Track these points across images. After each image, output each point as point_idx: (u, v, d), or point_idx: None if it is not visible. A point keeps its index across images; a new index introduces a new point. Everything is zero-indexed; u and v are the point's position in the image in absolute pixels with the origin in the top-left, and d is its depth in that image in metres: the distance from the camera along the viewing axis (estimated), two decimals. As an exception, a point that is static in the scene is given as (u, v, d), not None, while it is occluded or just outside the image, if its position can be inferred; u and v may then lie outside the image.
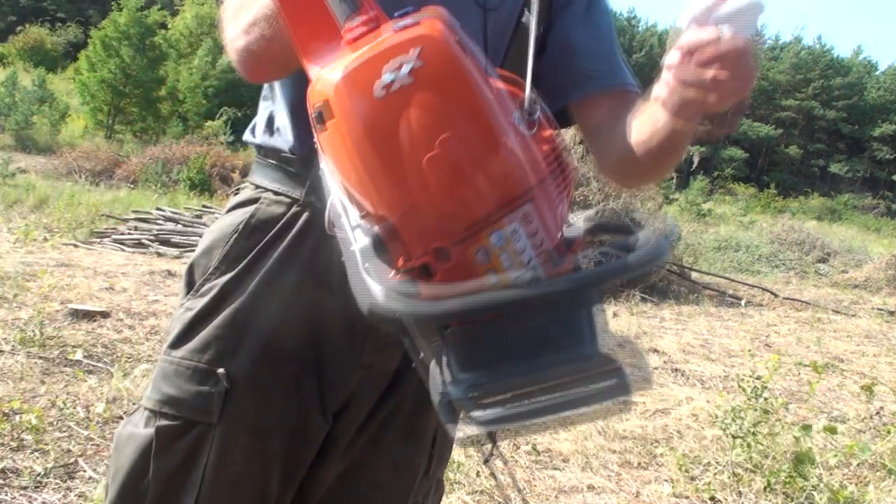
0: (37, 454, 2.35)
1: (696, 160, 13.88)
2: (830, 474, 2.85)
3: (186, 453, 0.84)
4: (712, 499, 2.69)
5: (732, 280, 10.39)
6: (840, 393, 4.47)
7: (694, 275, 10.14)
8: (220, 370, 0.84)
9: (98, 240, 8.26)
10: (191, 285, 0.92)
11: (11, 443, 2.39)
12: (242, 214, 0.91)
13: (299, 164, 0.90)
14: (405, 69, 0.50)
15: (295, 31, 0.61)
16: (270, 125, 0.94)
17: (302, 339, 0.87)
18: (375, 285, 0.52)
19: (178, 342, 0.88)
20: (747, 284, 10.20)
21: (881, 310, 8.77)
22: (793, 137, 53.36)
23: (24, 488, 2.15)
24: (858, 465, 2.95)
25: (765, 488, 2.70)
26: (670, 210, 15.38)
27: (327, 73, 0.54)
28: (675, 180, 21.30)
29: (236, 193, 0.98)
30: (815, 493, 2.61)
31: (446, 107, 0.51)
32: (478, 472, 2.68)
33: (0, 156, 13.40)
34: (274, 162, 0.93)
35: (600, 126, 1.01)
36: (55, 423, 2.61)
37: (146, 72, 25.12)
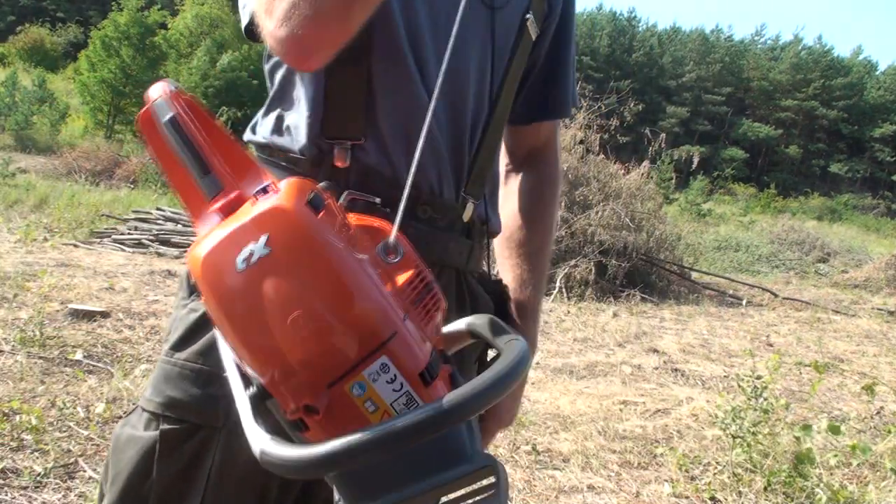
0: (37, 454, 2.35)
1: (695, 160, 13.88)
2: (830, 474, 2.85)
3: (191, 456, 0.83)
4: (712, 499, 2.69)
5: (732, 280, 10.39)
6: (840, 393, 4.47)
7: (694, 275, 10.14)
8: (225, 374, 0.83)
9: (98, 240, 8.26)
10: (192, 286, 0.89)
11: (11, 443, 2.39)
12: None
13: (308, 165, 0.88)
14: (262, 240, 0.55)
15: (180, 191, 0.64)
16: (279, 124, 0.92)
17: None
18: (258, 437, 0.56)
19: (181, 344, 0.87)
20: (747, 284, 10.21)
21: (881, 310, 8.78)
22: (793, 137, 53.38)
23: (24, 488, 2.15)
24: (859, 465, 2.95)
25: (765, 488, 2.70)
26: (670, 210, 15.39)
27: (194, 249, 0.57)
28: (674, 180, 21.28)
29: None
30: (815, 493, 2.61)
31: (303, 273, 0.55)
32: (478, 472, 2.68)
33: (0, 156, 13.40)
34: (282, 162, 0.91)
35: (526, 160, 1.12)
36: (55, 423, 2.61)
37: (146, 72, 25.13)
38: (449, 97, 0.91)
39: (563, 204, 8.41)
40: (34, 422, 2.49)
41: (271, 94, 0.93)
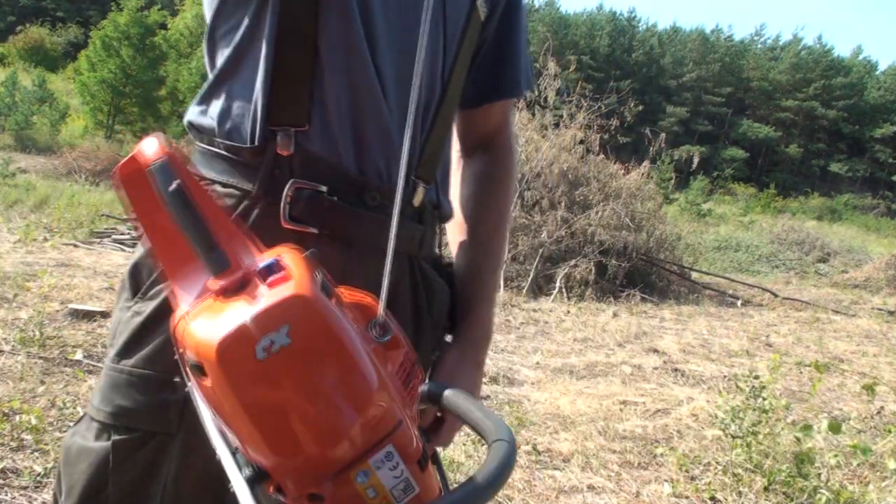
0: (37, 454, 2.35)
1: (696, 160, 13.88)
2: (831, 474, 2.85)
3: (146, 465, 0.80)
4: (712, 499, 2.69)
5: (732, 280, 10.39)
6: (840, 393, 4.47)
7: (694, 275, 10.14)
8: (177, 378, 0.78)
9: (98, 240, 8.26)
10: (136, 287, 0.86)
11: (11, 443, 2.39)
12: None
13: (250, 155, 0.83)
14: (283, 330, 0.53)
15: (165, 257, 0.61)
16: (219, 111, 0.86)
17: None
18: None
19: (127, 350, 0.83)
20: (747, 284, 10.21)
21: (881, 310, 8.78)
22: (793, 137, 53.39)
23: (24, 488, 2.15)
24: (859, 465, 2.95)
25: (765, 488, 2.70)
26: (670, 210, 15.38)
27: (204, 331, 0.54)
28: (674, 180, 21.29)
29: None
30: (815, 493, 2.61)
31: (324, 365, 0.54)
32: (478, 472, 2.68)
33: (0, 156, 13.40)
34: (223, 152, 0.86)
35: (479, 143, 1.08)
36: (55, 423, 2.61)
37: (146, 72, 25.14)
38: (400, 81, 0.87)
39: (563, 204, 8.42)
40: (34, 422, 2.49)
41: (212, 77, 0.88)
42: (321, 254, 0.82)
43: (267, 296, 0.54)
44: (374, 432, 0.56)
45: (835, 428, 2.82)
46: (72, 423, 2.40)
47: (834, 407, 4.13)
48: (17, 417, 2.54)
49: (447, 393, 0.67)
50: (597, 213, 8.43)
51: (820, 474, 2.78)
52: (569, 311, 6.78)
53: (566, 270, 7.89)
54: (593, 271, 7.93)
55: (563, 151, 8.78)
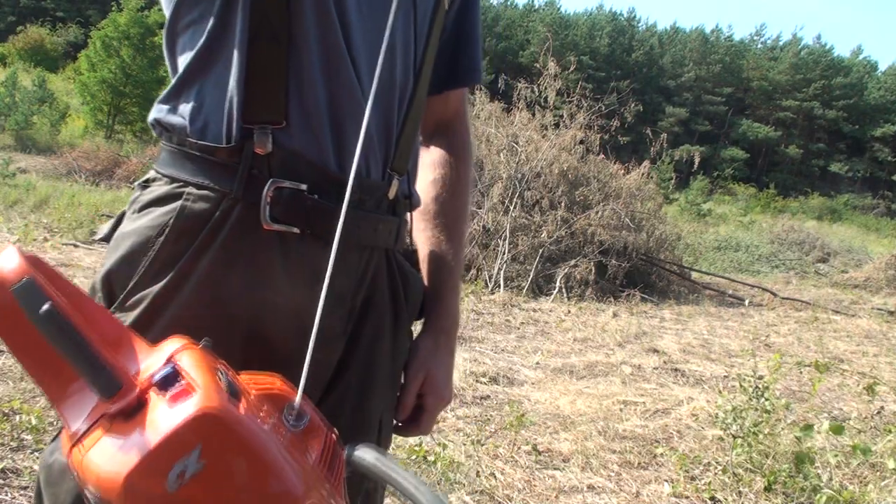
0: (37, 454, 2.35)
1: (696, 160, 13.87)
2: (830, 474, 2.85)
3: None
4: (712, 499, 2.69)
5: (732, 280, 10.39)
6: (840, 393, 4.47)
7: (694, 275, 10.15)
8: None
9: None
10: (111, 297, 0.82)
11: (11, 443, 2.39)
12: (164, 215, 0.80)
13: (226, 154, 0.80)
14: (195, 454, 0.48)
15: (34, 371, 0.53)
16: (190, 110, 0.82)
17: (247, 343, 0.80)
18: None
19: None
20: (747, 284, 10.21)
21: (881, 310, 8.78)
22: (793, 137, 53.39)
23: (24, 488, 2.15)
24: (859, 464, 2.95)
25: (765, 488, 2.70)
26: (670, 210, 15.39)
27: (105, 464, 0.49)
28: (674, 180, 21.28)
29: (144, 186, 0.86)
30: (815, 493, 2.61)
31: (242, 481, 0.50)
32: (478, 472, 2.68)
33: (0, 156, 13.41)
34: (195, 152, 0.82)
35: (439, 131, 1.07)
36: (55, 423, 2.60)
37: (146, 72, 25.11)
38: (374, 73, 0.85)
39: (563, 204, 8.42)
40: (34, 422, 2.49)
41: (181, 73, 0.83)
42: (303, 252, 0.80)
43: (171, 416, 0.48)
44: None
45: (837, 429, 2.82)
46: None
47: (834, 407, 4.13)
48: (17, 417, 2.54)
49: (358, 453, 0.62)
50: (597, 213, 8.43)
51: (820, 474, 2.78)
52: (569, 311, 6.78)
53: (566, 270, 7.89)
54: (593, 271, 7.93)
55: (563, 151, 8.79)
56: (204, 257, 0.78)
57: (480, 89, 9.30)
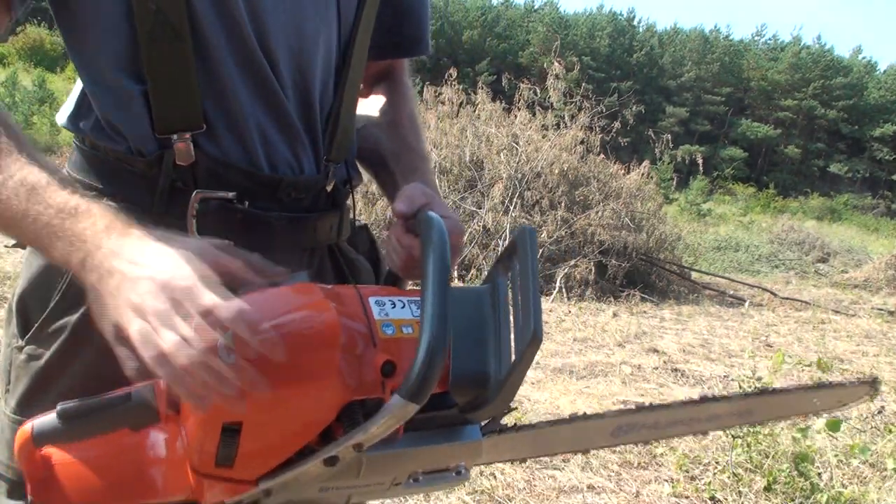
0: (37, 454, 2.35)
1: (699, 161, 13.87)
2: (831, 474, 2.85)
3: None
4: (712, 499, 2.69)
5: (732, 280, 10.40)
6: (840, 393, 4.47)
7: (694, 275, 10.15)
8: None
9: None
10: (26, 324, 0.75)
11: (11, 443, 2.39)
12: None
13: (145, 166, 0.73)
14: None
15: None
16: (100, 121, 0.75)
17: None
18: None
19: (29, 400, 0.73)
20: (747, 284, 10.21)
21: (881, 310, 8.78)
22: (792, 137, 53.39)
23: (25, 488, 2.15)
24: (859, 464, 2.95)
25: (765, 488, 2.70)
26: (670, 210, 15.39)
27: None
28: (674, 180, 21.29)
29: None
30: (815, 493, 2.61)
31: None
32: (480, 471, 2.68)
33: (0, 156, 13.40)
34: (111, 159, 0.75)
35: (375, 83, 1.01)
36: (55, 423, 2.60)
37: (146, 72, 25.11)
38: (294, 64, 0.79)
39: (563, 204, 8.42)
40: (34, 422, 2.49)
41: (84, 83, 0.75)
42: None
43: None
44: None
45: (833, 426, 2.82)
46: None
47: (834, 407, 4.13)
48: (18, 417, 2.54)
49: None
50: (597, 213, 8.43)
51: (820, 474, 2.78)
52: (569, 311, 6.78)
53: (566, 270, 7.89)
54: (593, 271, 7.94)
55: (563, 151, 8.79)
56: None
57: (483, 88, 9.31)
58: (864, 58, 59.40)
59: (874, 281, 11.61)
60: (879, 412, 3.92)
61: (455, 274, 7.63)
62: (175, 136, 0.72)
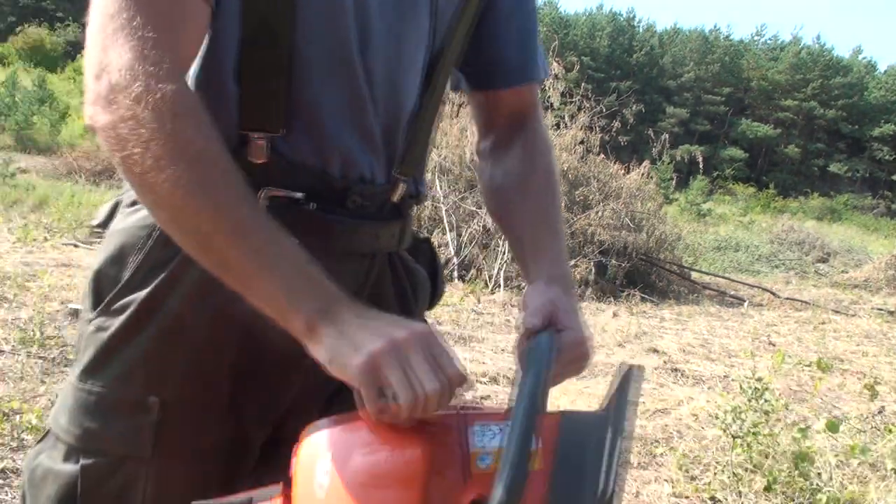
0: (37, 454, 2.35)
1: (700, 161, 13.89)
2: (830, 474, 2.85)
3: (118, 490, 0.76)
4: (712, 499, 2.69)
5: (732, 280, 10.40)
6: (840, 393, 4.47)
7: (694, 275, 10.15)
8: (152, 398, 0.75)
9: (98, 240, 8.25)
10: (98, 298, 0.79)
11: (11, 443, 2.39)
12: None
13: (224, 135, 0.73)
14: None
15: None
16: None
17: (237, 350, 0.78)
18: None
19: (94, 369, 0.77)
20: (747, 284, 10.21)
21: (881, 310, 8.78)
22: (792, 137, 53.41)
23: (25, 488, 2.15)
24: (859, 464, 2.95)
25: (765, 488, 2.70)
26: (670, 210, 15.39)
27: None
28: (674, 180, 21.30)
29: None
30: (815, 493, 2.61)
31: None
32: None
33: (0, 156, 13.40)
34: None
35: (505, 124, 0.99)
36: (55, 423, 2.61)
37: (146, 72, 25.07)
38: (386, 77, 0.81)
39: (563, 204, 8.42)
40: (34, 422, 2.49)
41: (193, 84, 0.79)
42: None
43: None
44: None
45: (833, 427, 2.83)
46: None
47: (834, 407, 4.13)
48: (17, 417, 2.54)
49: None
50: (597, 213, 8.43)
51: (820, 474, 2.78)
52: (569, 311, 6.77)
53: (566, 270, 7.89)
54: (593, 271, 7.94)
55: (563, 151, 8.79)
56: (195, 263, 0.70)
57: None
58: (864, 58, 59.42)
59: (874, 281, 11.61)
60: (879, 412, 3.92)
61: (455, 274, 7.63)
62: (255, 135, 0.75)
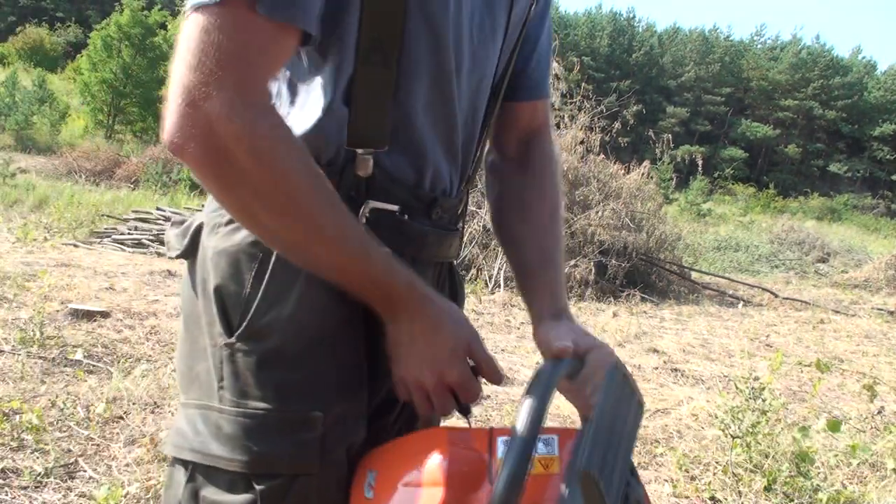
0: (37, 454, 2.35)
1: (700, 162, 13.90)
2: (830, 474, 2.85)
3: None
4: (712, 499, 2.69)
5: (732, 280, 10.40)
6: (840, 393, 4.47)
7: (694, 275, 10.15)
8: (315, 413, 0.77)
9: (98, 240, 8.26)
10: (229, 319, 0.79)
11: (11, 443, 2.39)
12: None
13: (328, 174, 0.75)
14: None
15: None
16: (294, 122, 0.79)
17: (367, 354, 0.83)
18: None
19: (248, 391, 0.78)
20: (747, 284, 10.21)
21: (881, 310, 8.78)
22: (792, 137, 53.41)
23: (25, 488, 2.15)
24: (859, 464, 2.95)
25: (765, 488, 2.70)
26: (670, 210, 15.39)
27: None
28: (674, 180, 21.31)
29: None
30: (815, 493, 2.61)
31: None
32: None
33: (0, 156, 13.40)
34: None
35: (519, 141, 1.04)
36: (55, 422, 2.60)
37: (146, 72, 25.16)
38: (471, 95, 0.88)
39: (563, 204, 8.42)
40: (34, 421, 2.49)
41: (282, 95, 0.82)
42: None
43: None
44: None
45: (833, 427, 2.82)
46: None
47: (834, 407, 4.13)
48: (17, 417, 2.54)
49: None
50: (597, 213, 8.43)
51: (820, 474, 2.78)
52: (569, 311, 6.77)
53: (566, 270, 7.89)
54: (593, 271, 7.94)
55: (563, 152, 8.78)
56: (319, 278, 0.76)
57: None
58: (863, 58, 59.43)
59: (874, 281, 11.61)
60: (879, 412, 3.92)
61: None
62: (361, 151, 0.79)
